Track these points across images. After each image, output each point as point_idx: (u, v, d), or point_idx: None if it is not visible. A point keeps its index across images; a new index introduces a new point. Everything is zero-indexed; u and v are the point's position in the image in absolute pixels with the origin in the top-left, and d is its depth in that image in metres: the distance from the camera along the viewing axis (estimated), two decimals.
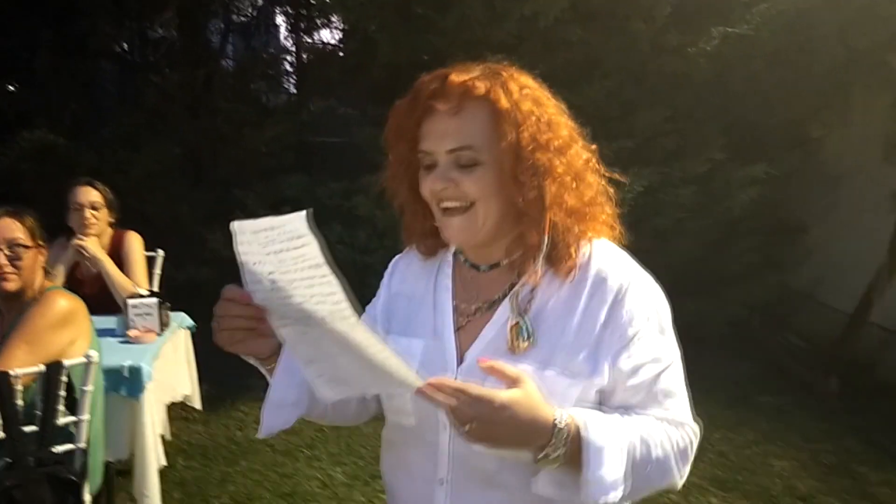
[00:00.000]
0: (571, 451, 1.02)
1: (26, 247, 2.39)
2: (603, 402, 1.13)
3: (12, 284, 2.37)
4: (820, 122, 5.66)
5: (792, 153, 5.76)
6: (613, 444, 1.03)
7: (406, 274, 1.33)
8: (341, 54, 7.23)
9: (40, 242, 2.47)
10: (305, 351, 1.01)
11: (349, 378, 1.01)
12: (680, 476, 1.14)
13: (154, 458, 2.88)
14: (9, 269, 2.36)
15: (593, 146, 1.23)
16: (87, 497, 2.43)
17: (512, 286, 1.17)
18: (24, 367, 2.18)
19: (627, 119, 5.50)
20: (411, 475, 1.23)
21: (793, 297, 6.09)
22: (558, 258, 1.14)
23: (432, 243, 1.27)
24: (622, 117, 5.48)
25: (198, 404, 3.81)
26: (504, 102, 1.09)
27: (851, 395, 4.72)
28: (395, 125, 1.18)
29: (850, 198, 5.55)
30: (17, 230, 2.40)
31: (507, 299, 1.16)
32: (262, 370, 1.19)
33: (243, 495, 3.45)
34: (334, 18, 7.42)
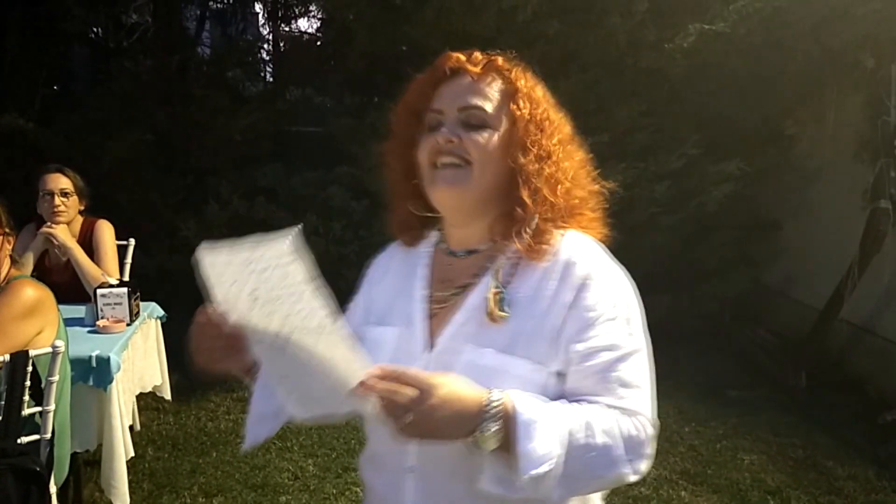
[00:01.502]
0: (507, 431, 0.99)
1: None
2: (565, 390, 1.12)
3: None
4: (794, 120, 5.72)
5: (766, 150, 5.81)
6: (546, 419, 1.00)
7: (388, 267, 1.33)
8: (318, 43, 7.18)
9: (7, 230, 2.43)
10: (277, 369, 1.01)
11: (319, 397, 1.01)
12: (632, 469, 1.06)
13: (122, 449, 2.84)
14: None
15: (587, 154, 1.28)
16: (53, 488, 2.40)
17: (483, 271, 1.18)
18: None
19: (604, 113, 5.51)
20: (383, 466, 1.23)
21: (765, 293, 6.16)
22: (536, 245, 1.15)
23: (415, 232, 1.29)
24: (598, 111, 5.50)
25: (168, 395, 3.78)
26: (522, 82, 1.19)
27: (820, 391, 4.78)
28: (410, 95, 1.22)
29: (823, 195, 5.61)
30: None
31: (485, 280, 1.16)
32: (245, 382, 1.21)
33: (213, 486, 3.42)
34: (312, 7, 7.39)
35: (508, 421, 0.99)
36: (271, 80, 8.18)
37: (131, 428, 3.41)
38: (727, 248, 5.94)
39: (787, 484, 3.63)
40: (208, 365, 1.11)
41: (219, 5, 8.78)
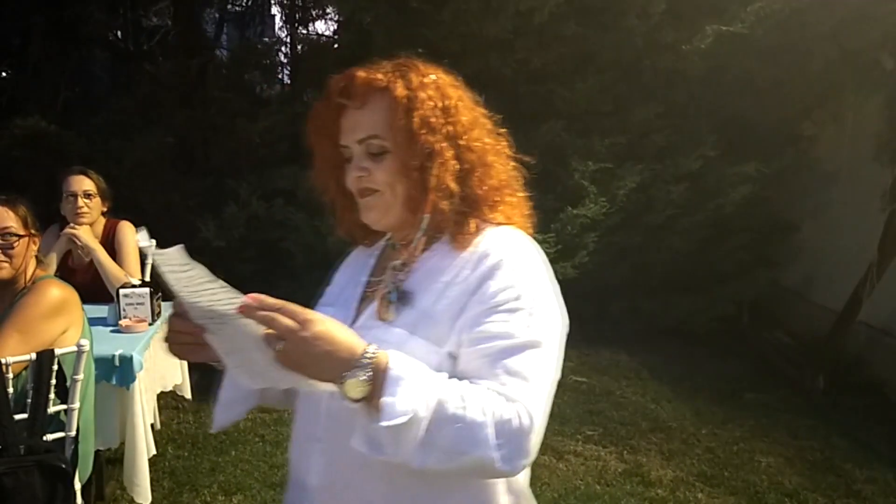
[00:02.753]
0: (376, 386, 1.00)
1: (18, 235, 2.39)
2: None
3: (4, 273, 2.37)
4: (812, 121, 5.69)
5: (784, 151, 5.79)
6: (415, 380, 1.01)
7: (350, 260, 1.43)
8: (336, 46, 7.21)
9: (32, 231, 2.47)
10: (222, 344, 1.09)
11: (261, 370, 1.06)
12: (500, 457, 1.02)
13: (144, 447, 2.88)
14: (1, 257, 2.36)
15: (502, 131, 1.29)
16: (77, 485, 2.44)
17: (388, 259, 1.29)
18: (15, 356, 2.18)
19: (620, 115, 5.52)
20: (297, 437, 1.30)
21: (783, 295, 6.13)
22: (455, 239, 1.20)
23: (362, 233, 1.36)
24: (615, 113, 5.50)
25: (188, 394, 3.82)
26: (401, 91, 1.18)
27: (838, 393, 4.76)
28: (314, 125, 1.29)
29: (842, 197, 5.59)
30: (9, 219, 2.40)
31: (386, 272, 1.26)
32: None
33: (232, 485, 3.46)
34: (329, 10, 7.40)
35: (378, 374, 1.01)
36: (289, 82, 8.22)
37: (152, 426, 3.45)
38: (745, 250, 5.92)
39: (804, 486, 3.62)
40: (181, 355, 1.18)
41: (237, 8, 8.85)
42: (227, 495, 3.38)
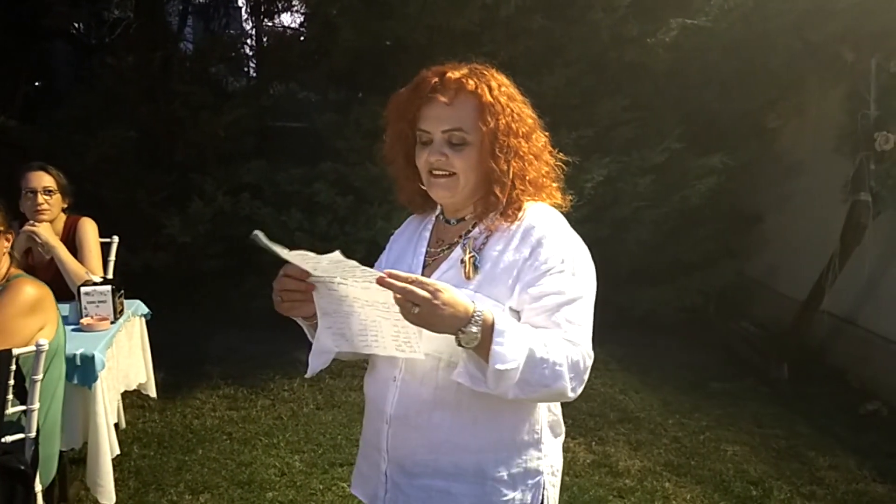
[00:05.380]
0: (484, 337, 1.28)
1: None
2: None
3: None
4: (775, 113, 5.76)
5: (748, 143, 5.86)
6: (514, 332, 1.30)
7: (402, 233, 1.72)
8: (302, 38, 7.14)
9: (3, 228, 2.42)
10: (325, 306, 1.40)
11: (351, 336, 1.41)
12: (570, 388, 1.36)
13: (107, 447, 2.84)
14: None
15: (547, 132, 1.57)
16: (38, 487, 2.39)
17: (467, 234, 1.53)
18: None
19: (588, 108, 5.54)
20: (377, 377, 1.57)
21: (748, 286, 6.21)
22: (507, 215, 1.49)
23: (421, 202, 1.63)
24: (582, 106, 5.52)
25: (153, 392, 3.77)
26: (488, 97, 1.45)
27: (802, 381, 4.83)
28: (396, 108, 1.53)
29: (805, 188, 5.66)
30: None
31: (465, 239, 1.52)
32: (305, 328, 1.58)
33: (200, 484, 3.42)
34: (295, 2, 7.32)
35: (486, 327, 1.28)
36: (255, 75, 8.13)
37: (116, 426, 3.40)
38: (711, 241, 5.99)
39: (769, 474, 3.67)
40: (288, 310, 1.45)
41: (201, 0, 8.72)
42: (194, 494, 3.34)
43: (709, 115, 5.70)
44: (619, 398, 4.50)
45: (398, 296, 1.25)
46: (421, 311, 1.24)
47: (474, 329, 1.27)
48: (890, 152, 4.43)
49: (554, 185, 1.57)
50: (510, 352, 1.27)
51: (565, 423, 1.62)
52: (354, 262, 1.27)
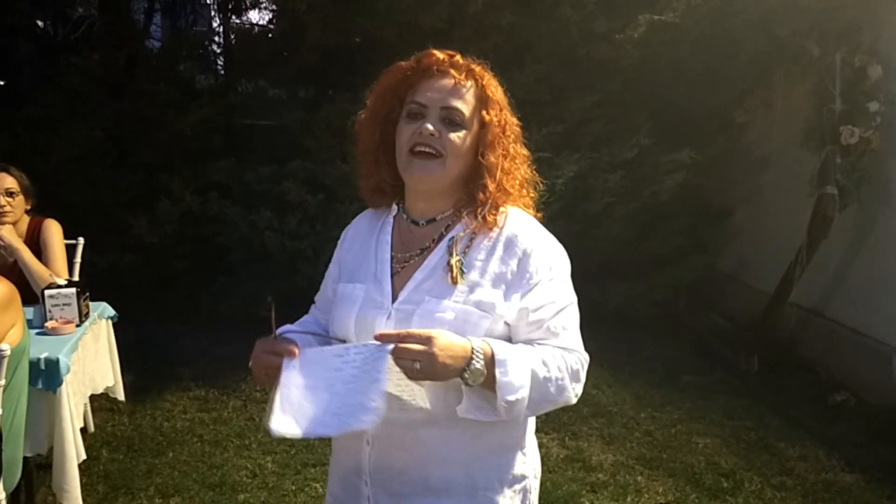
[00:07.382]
0: (487, 369, 1.27)
1: None
2: (511, 337, 1.41)
3: None
4: (743, 109, 5.83)
5: (717, 138, 5.91)
6: (515, 359, 1.31)
7: (356, 233, 1.61)
8: (270, 35, 7.06)
9: None
10: (297, 381, 1.31)
11: (308, 415, 1.28)
12: (574, 394, 1.42)
13: (73, 452, 2.79)
14: None
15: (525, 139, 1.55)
16: (2, 493, 2.34)
17: (441, 237, 1.45)
18: None
19: (557, 104, 5.54)
20: (347, 440, 1.49)
21: (718, 279, 6.27)
22: (487, 219, 1.43)
23: (382, 194, 1.53)
24: (552, 102, 5.53)
25: (121, 396, 3.72)
26: (491, 91, 1.45)
27: (772, 374, 4.89)
28: (389, 79, 1.46)
29: (773, 182, 5.73)
30: None
31: (442, 244, 1.44)
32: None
33: (170, 487, 3.38)
34: None
35: (487, 360, 1.28)
36: (223, 73, 8.04)
37: (84, 430, 3.35)
38: (681, 235, 6.03)
39: (739, 466, 3.70)
40: (266, 381, 1.37)
41: None
42: (165, 497, 3.30)
43: (678, 111, 5.73)
44: (592, 392, 4.52)
45: (399, 358, 1.23)
46: (422, 364, 1.23)
47: (478, 366, 1.27)
48: (855, 146, 4.49)
49: (529, 195, 1.54)
50: (516, 379, 1.29)
51: (538, 419, 1.62)
52: (342, 346, 1.31)
